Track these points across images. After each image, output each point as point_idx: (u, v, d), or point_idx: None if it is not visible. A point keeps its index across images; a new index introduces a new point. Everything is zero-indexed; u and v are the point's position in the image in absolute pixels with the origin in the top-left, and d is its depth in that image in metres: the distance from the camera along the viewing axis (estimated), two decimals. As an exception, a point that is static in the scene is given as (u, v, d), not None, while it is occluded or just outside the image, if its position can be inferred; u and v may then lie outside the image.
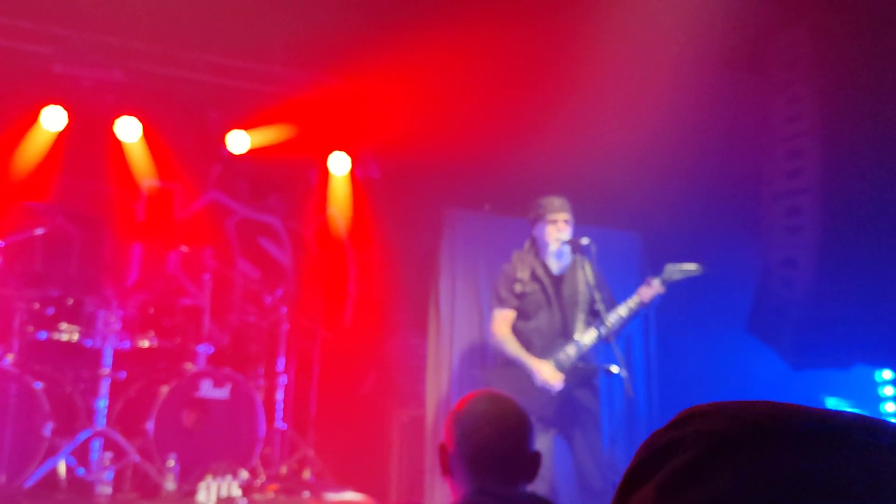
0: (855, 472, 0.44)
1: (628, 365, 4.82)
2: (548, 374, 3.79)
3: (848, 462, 0.45)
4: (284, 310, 4.98)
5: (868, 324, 4.17)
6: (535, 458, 1.80)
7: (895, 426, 0.49)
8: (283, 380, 4.91)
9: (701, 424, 0.49)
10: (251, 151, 5.75)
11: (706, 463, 0.47)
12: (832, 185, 4.09)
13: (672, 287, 3.98)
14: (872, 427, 0.48)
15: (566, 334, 3.95)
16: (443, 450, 1.82)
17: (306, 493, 4.35)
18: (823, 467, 0.45)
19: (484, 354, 4.79)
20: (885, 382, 4.81)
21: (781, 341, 4.30)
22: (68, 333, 4.24)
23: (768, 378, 4.96)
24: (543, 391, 3.80)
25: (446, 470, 1.82)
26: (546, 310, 3.98)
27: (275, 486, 4.36)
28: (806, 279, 4.11)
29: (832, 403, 4.92)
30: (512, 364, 3.93)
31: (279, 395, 4.88)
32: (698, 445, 0.48)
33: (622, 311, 3.90)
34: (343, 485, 4.60)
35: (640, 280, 4.03)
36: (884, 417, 4.57)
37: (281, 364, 4.93)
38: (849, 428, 0.47)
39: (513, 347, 3.91)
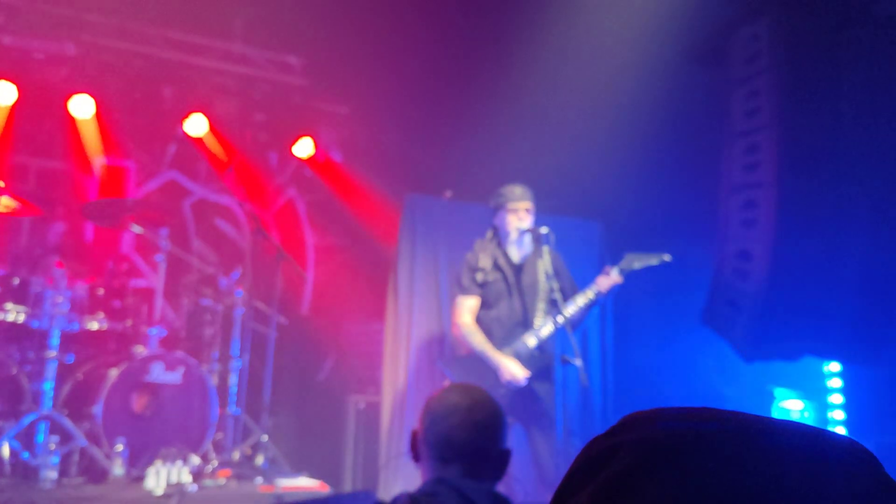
0: (795, 488, 0.43)
1: (584, 354, 4.86)
2: (514, 370, 3.79)
3: (787, 478, 0.44)
4: (240, 293, 4.90)
5: (817, 318, 4.27)
6: (502, 455, 1.78)
7: (843, 439, 0.47)
8: (237, 364, 4.84)
9: (637, 433, 0.48)
10: (210, 131, 5.63)
11: (639, 473, 0.46)
12: (788, 180, 4.16)
13: (630, 277, 4.01)
14: (818, 440, 0.47)
15: (526, 323, 3.95)
16: (414, 436, 1.84)
17: (259, 480, 4.29)
18: (761, 482, 0.43)
19: (442, 341, 4.78)
20: (832, 374, 4.93)
21: (734, 333, 4.37)
22: (14, 314, 4.11)
23: (721, 369, 5.05)
24: (504, 383, 3.80)
25: (416, 456, 1.83)
26: (506, 299, 3.98)
27: (227, 472, 4.30)
28: (759, 272, 4.18)
29: (781, 394, 5.03)
30: (471, 355, 3.93)
31: (233, 380, 4.81)
32: (632, 455, 0.47)
33: (580, 300, 3.91)
34: (297, 471, 4.56)
35: (600, 269, 4.05)
36: (831, 422, 4.70)
37: (235, 348, 4.86)
38: (793, 440, 0.46)
39: (478, 340, 3.90)
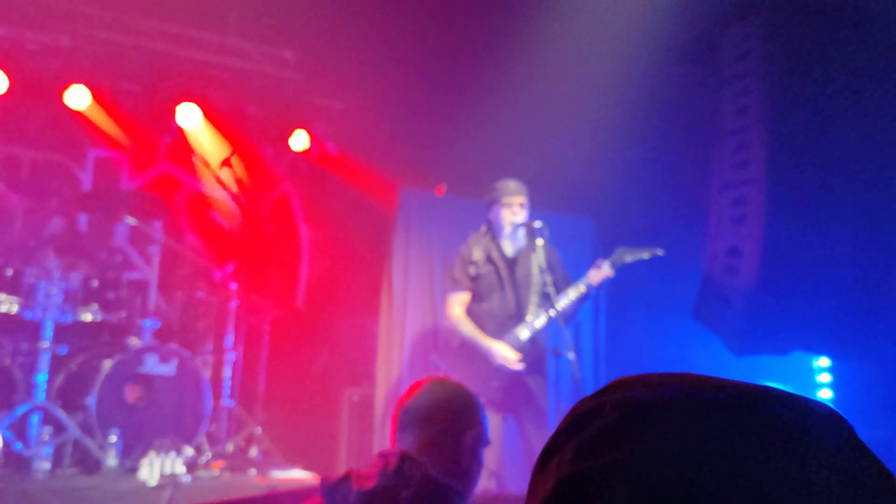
0: (774, 452, 0.44)
1: (577, 348, 4.90)
2: (505, 353, 3.82)
3: (767, 441, 0.45)
4: (234, 286, 4.91)
5: (807, 313, 4.31)
6: (460, 438, 1.73)
7: (822, 407, 0.48)
8: (231, 357, 4.85)
9: (622, 393, 0.50)
10: (204, 124, 5.63)
11: (621, 428, 0.47)
12: (777, 178, 4.20)
13: (623, 272, 4.04)
14: (799, 406, 0.48)
15: (519, 316, 3.98)
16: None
17: (253, 471, 4.32)
18: (740, 445, 0.44)
19: (436, 335, 4.81)
20: (822, 370, 4.98)
21: (724, 328, 4.41)
22: (7, 305, 4.10)
23: (711, 364, 5.09)
24: (496, 375, 3.83)
25: None
26: (499, 292, 4.01)
27: (220, 463, 4.32)
28: (749, 268, 4.22)
29: (771, 389, 5.08)
30: (465, 347, 3.95)
31: (227, 373, 4.82)
32: (616, 412, 0.49)
33: (572, 293, 3.95)
34: (291, 463, 4.58)
35: (592, 264, 4.08)
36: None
37: (229, 341, 4.87)
38: (775, 406, 0.47)
39: (468, 329, 3.93)
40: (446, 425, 1.75)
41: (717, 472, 0.44)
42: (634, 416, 0.48)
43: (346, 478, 1.64)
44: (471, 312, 4.01)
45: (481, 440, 1.79)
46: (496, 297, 4.01)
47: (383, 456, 1.68)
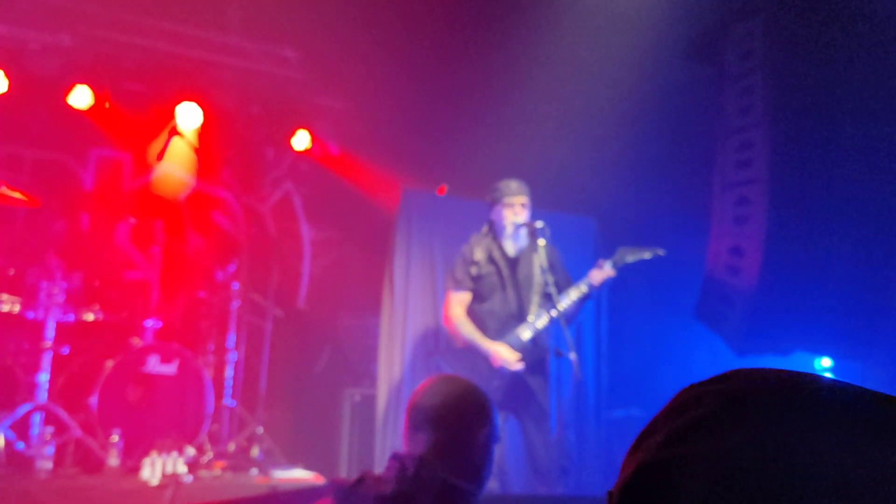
0: (856, 449, 0.44)
1: (578, 348, 4.89)
2: (505, 355, 3.81)
3: (855, 447, 0.45)
4: (236, 286, 4.91)
5: (809, 313, 4.31)
6: (471, 441, 1.72)
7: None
8: (233, 356, 4.85)
9: (726, 384, 0.51)
10: (206, 123, 5.62)
11: (715, 419, 0.48)
12: (780, 177, 4.19)
13: (625, 272, 4.04)
14: (877, 403, 0.48)
15: (520, 317, 3.98)
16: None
17: (254, 471, 4.32)
18: (832, 446, 0.44)
19: (437, 335, 4.81)
20: (824, 370, 4.97)
21: (726, 328, 4.40)
22: (9, 304, 4.11)
23: (713, 363, 5.09)
24: (497, 375, 3.82)
25: None
26: (500, 292, 4.01)
27: (222, 463, 4.32)
28: (751, 268, 4.22)
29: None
30: (466, 348, 3.95)
31: (229, 372, 4.82)
32: (714, 402, 0.49)
33: (573, 294, 3.94)
34: (292, 463, 4.59)
35: (594, 265, 4.08)
36: None
37: (231, 341, 4.87)
38: (871, 409, 0.47)
39: (468, 330, 3.93)
40: (459, 425, 1.75)
41: (801, 469, 0.44)
42: (726, 410, 0.48)
43: (360, 481, 1.64)
44: (472, 312, 4.00)
45: (493, 437, 1.80)
46: (498, 297, 4.01)
47: (398, 459, 1.68)
